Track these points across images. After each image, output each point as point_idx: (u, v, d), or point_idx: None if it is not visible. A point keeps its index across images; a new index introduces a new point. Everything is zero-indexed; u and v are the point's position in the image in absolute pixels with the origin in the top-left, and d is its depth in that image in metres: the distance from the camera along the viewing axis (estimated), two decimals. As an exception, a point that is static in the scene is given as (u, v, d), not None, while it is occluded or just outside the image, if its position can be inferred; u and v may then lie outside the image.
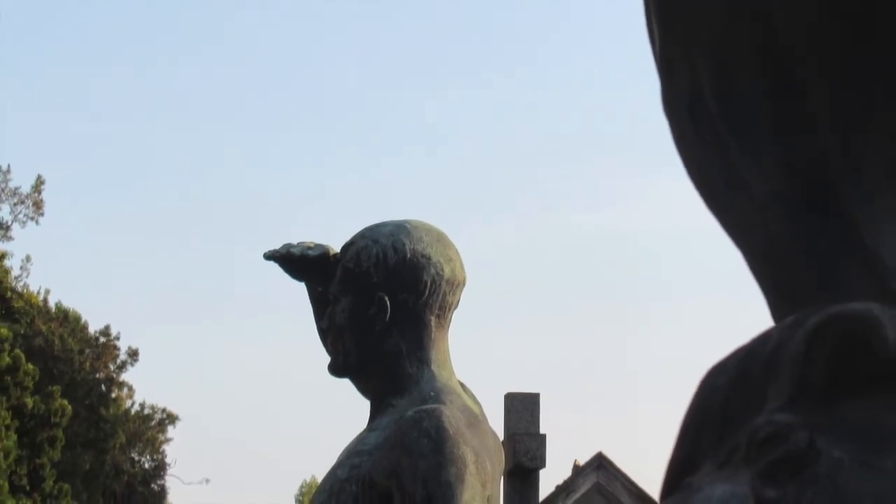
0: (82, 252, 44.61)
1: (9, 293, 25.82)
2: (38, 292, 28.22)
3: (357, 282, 3.17)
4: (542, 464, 9.96)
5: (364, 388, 3.24)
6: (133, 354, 29.93)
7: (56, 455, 24.25)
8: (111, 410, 28.94)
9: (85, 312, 30.16)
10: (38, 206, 28.43)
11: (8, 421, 22.19)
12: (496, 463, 3.05)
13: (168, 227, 47.14)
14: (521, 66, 57.43)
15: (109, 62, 47.94)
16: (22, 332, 25.33)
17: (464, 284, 3.26)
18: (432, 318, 3.19)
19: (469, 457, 2.90)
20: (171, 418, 31.80)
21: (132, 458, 30.82)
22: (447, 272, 3.19)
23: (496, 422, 7.13)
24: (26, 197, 28.28)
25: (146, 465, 31.59)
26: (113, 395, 29.57)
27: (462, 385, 3.22)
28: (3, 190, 28.24)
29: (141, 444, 31.05)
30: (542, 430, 10.02)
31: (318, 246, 3.31)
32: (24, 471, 23.15)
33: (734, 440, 0.81)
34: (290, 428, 56.97)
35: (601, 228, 52.57)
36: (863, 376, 0.78)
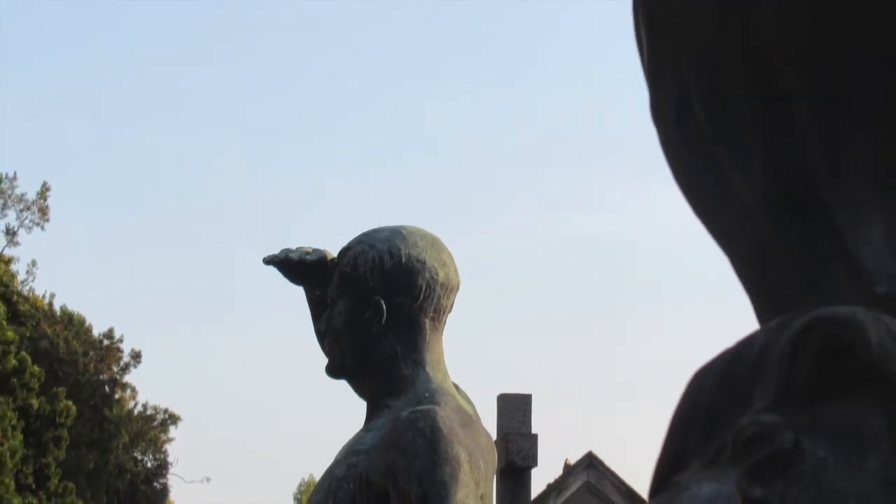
0: (86, 257, 44.53)
1: (15, 297, 25.81)
2: (44, 296, 28.22)
3: (354, 286, 3.16)
4: (534, 463, 9.96)
5: (360, 390, 3.23)
6: (136, 356, 29.93)
7: (61, 454, 24.23)
8: (115, 411, 28.92)
9: (89, 316, 30.11)
10: (43, 212, 28.43)
11: (14, 421, 22.16)
12: (489, 462, 3.04)
13: (169, 231, 47.11)
14: (519, 69, 57.37)
15: (112, 69, 47.92)
16: (28, 335, 25.32)
17: (458, 288, 3.25)
18: (427, 321, 3.18)
19: (463, 456, 2.90)
20: (173, 419, 31.80)
21: (135, 458, 30.80)
22: (441, 276, 3.19)
23: (489, 422, 7.13)
24: (32, 203, 28.28)
25: (149, 464, 31.57)
26: (116, 396, 29.55)
27: (456, 386, 3.22)
28: (9, 197, 28.25)
29: (143, 444, 31.03)
30: (533, 430, 10.03)
31: (315, 251, 3.30)
32: (29, 470, 23.12)
33: (721, 440, 0.80)
34: (289, 428, 56.90)
35: (592, 232, 52.58)
36: (846, 378, 0.78)
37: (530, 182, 52.12)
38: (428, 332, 3.17)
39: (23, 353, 23.00)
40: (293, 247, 3.33)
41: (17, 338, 22.89)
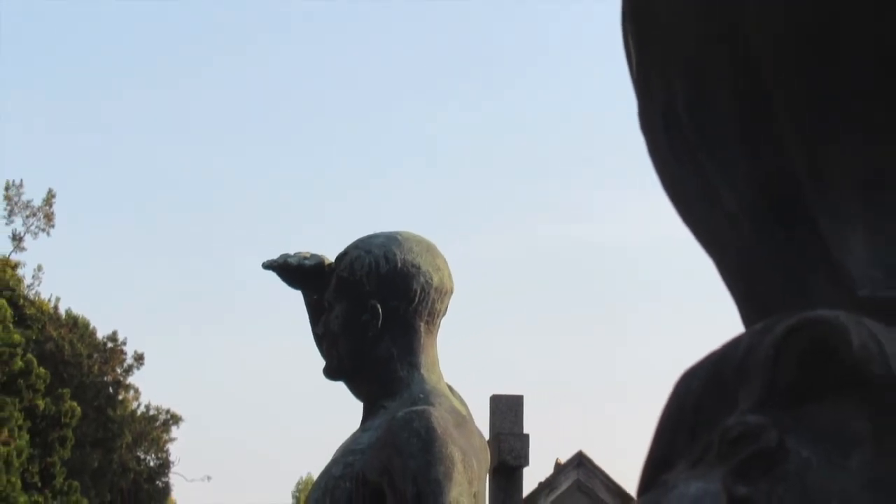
0: (91, 261, 44.48)
1: (21, 301, 25.75)
2: (49, 300, 28.15)
3: (350, 290, 3.16)
4: (526, 462, 9.95)
5: (357, 391, 3.23)
6: (139, 358, 29.87)
7: (66, 454, 24.19)
8: (118, 411, 28.86)
9: (93, 319, 30.12)
10: (49, 218, 28.38)
11: (21, 421, 22.12)
12: (482, 461, 3.04)
13: (171, 237, 47.07)
14: (515, 76, 57.33)
15: (117, 78, 47.85)
16: (34, 337, 25.26)
17: (451, 292, 3.25)
18: (422, 324, 3.18)
19: (457, 456, 2.90)
20: (175, 419, 31.74)
21: (138, 457, 30.73)
22: (436, 281, 3.19)
23: (482, 422, 7.12)
24: (38, 210, 28.24)
25: (151, 464, 31.50)
26: (120, 397, 29.49)
27: (450, 387, 3.22)
28: (16, 203, 28.19)
29: (146, 444, 30.97)
30: (525, 431, 10.02)
31: (313, 256, 3.30)
32: (35, 469, 23.08)
33: (707, 440, 0.80)
34: (288, 428, 56.87)
35: (584, 236, 52.63)
36: (829, 380, 0.78)
37: (525, 187, 52.11)
38: (423, 335, 3.17)
39: (29, 355, 22.95)
40: (292, 252, 3.33)
41: (23, 340, 22.85)
